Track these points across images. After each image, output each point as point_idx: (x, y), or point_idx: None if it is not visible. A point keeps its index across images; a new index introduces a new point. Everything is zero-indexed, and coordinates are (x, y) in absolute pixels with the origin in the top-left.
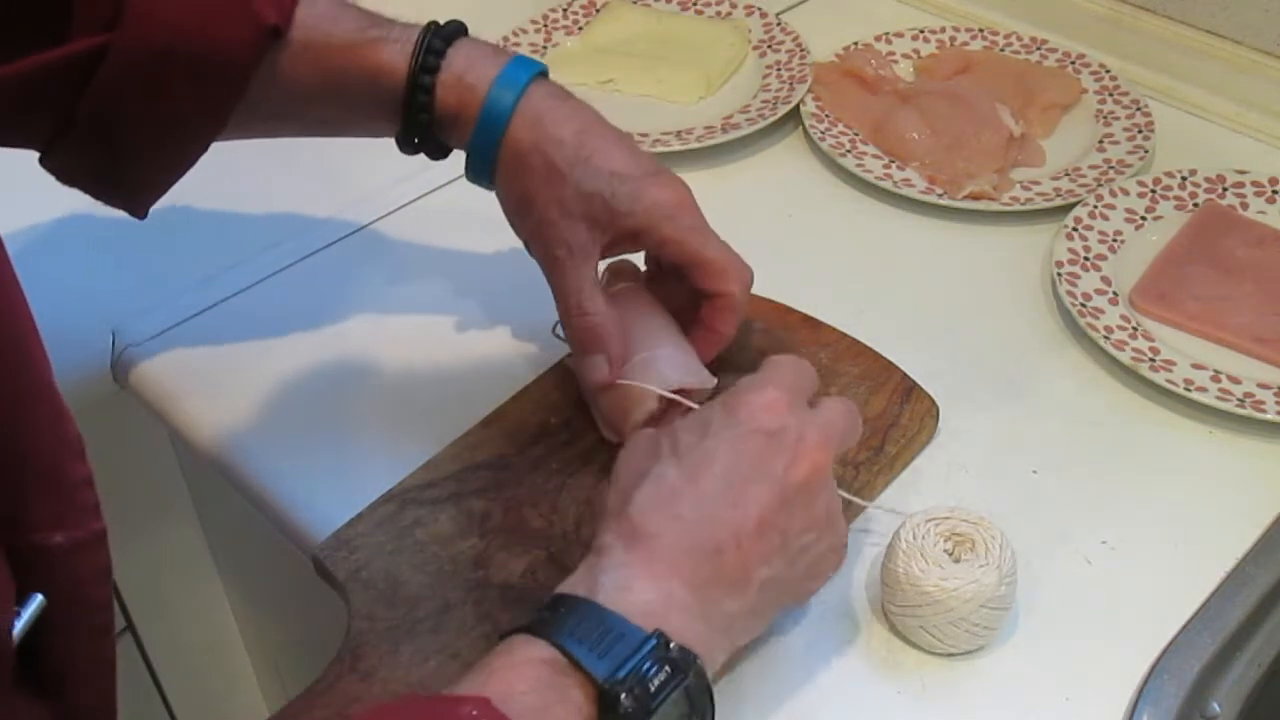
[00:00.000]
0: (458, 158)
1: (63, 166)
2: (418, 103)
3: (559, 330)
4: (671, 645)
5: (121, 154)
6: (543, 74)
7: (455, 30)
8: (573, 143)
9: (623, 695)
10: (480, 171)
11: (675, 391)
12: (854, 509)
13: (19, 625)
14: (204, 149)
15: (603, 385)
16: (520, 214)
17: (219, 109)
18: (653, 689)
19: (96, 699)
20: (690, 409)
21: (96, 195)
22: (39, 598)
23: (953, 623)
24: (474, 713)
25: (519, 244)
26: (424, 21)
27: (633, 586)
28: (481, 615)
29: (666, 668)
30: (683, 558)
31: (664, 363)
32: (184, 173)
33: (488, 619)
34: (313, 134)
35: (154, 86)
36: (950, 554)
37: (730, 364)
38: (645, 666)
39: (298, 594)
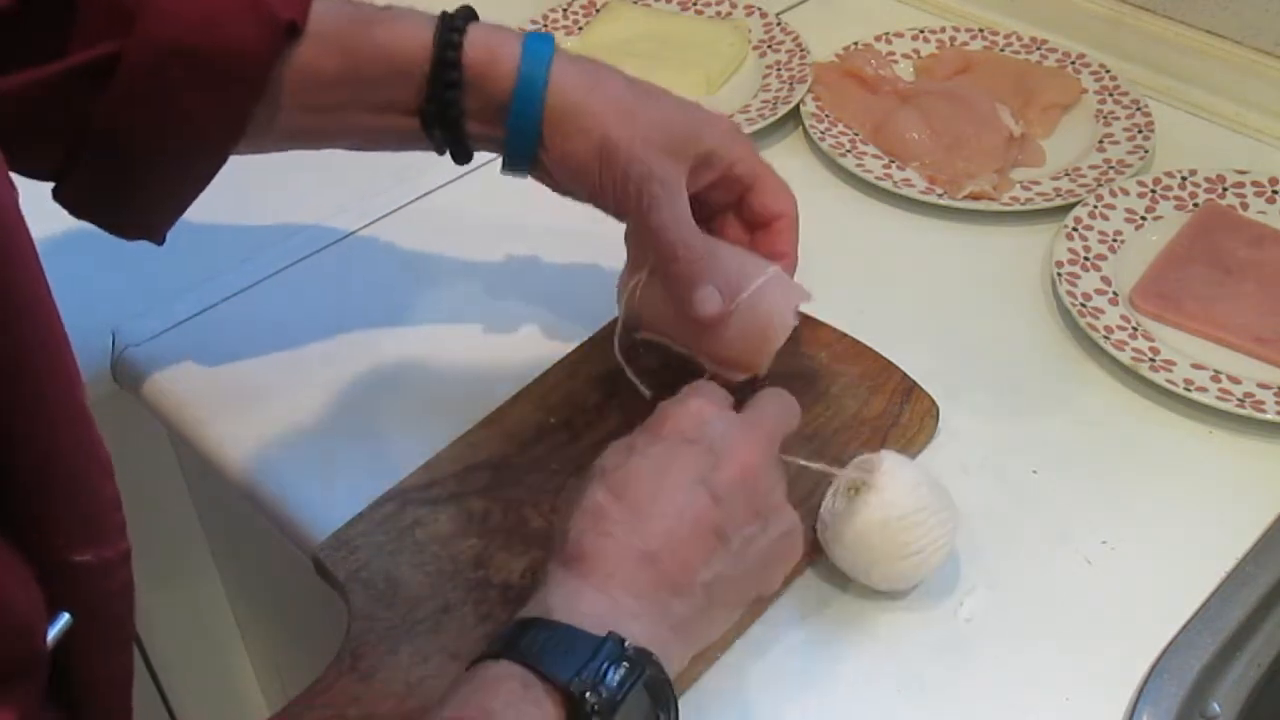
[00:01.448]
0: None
1: (77, 193)
2: (445, 78)
3: (625, 298)
4: (626, 645)
5: (137, 172)
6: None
7: (470, 13)
8: (627, 83)
9: (587, 694)
10: (522, 143)
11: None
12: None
13: (48, 640)
14: (223, 160)
15: (718, 316)
16: (597, 167)
17: (237, 114)
18: (614, 684)
19: (114, 708)
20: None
21: (112, 227)
22: (66, 616)
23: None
24: None
25: (518, 244)
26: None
27: (580, 600)
28: (481, 615)
29: (624, 664)
30: (619, 569)
31: (777, 284)
32: (202, 189)
33: (488, 619)
34: (333, 141)
35: (169, 93)
36: (851, 496)
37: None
38: (604, 666)
39: (298, 594)
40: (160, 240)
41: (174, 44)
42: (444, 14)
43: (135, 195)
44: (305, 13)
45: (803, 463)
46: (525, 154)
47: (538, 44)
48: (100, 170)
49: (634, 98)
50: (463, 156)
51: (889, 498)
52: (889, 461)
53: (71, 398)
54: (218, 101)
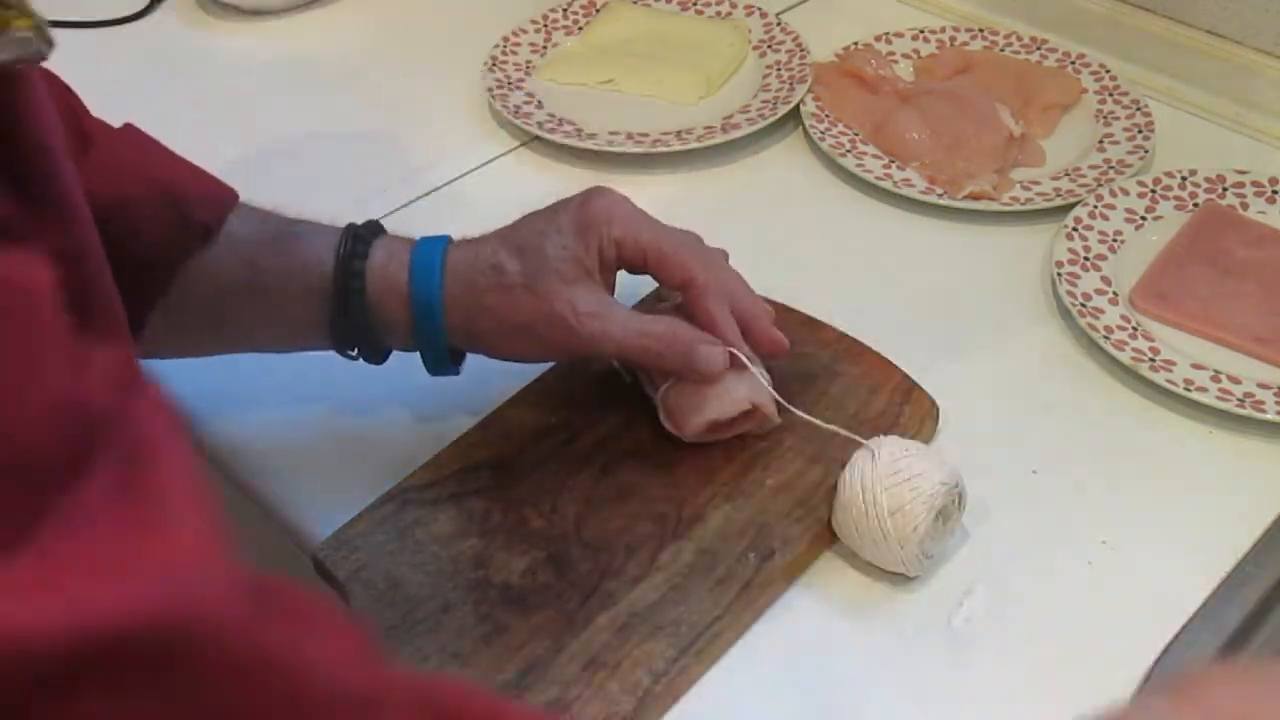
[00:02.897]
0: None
1: None
2: (350, 288)
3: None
4: None
5: None
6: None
7: (376, 228)
8: (503, 250)
9: None
10: (439, 360)
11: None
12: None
13: None
14: None
15: (723, 367)
16: (532, 334)
17: (141, 306)
18: None
19: None
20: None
21: None
22: None
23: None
24: None
25: None
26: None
27: None
28: (481, 615)
29: None
30: None
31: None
32: None
33: (488, 619)
34: (237, 343)
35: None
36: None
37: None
38: None
39: None
40: None
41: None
42: (345, 237)
43: None
44: (221, 220)
45: (818, 422)
46: (445, 364)
47: (426, 255)
48: None
49: (518, 255)
50: (377, 355)
51: (881, 458)
52: (887, 437)
53: None
54: (121, 292)
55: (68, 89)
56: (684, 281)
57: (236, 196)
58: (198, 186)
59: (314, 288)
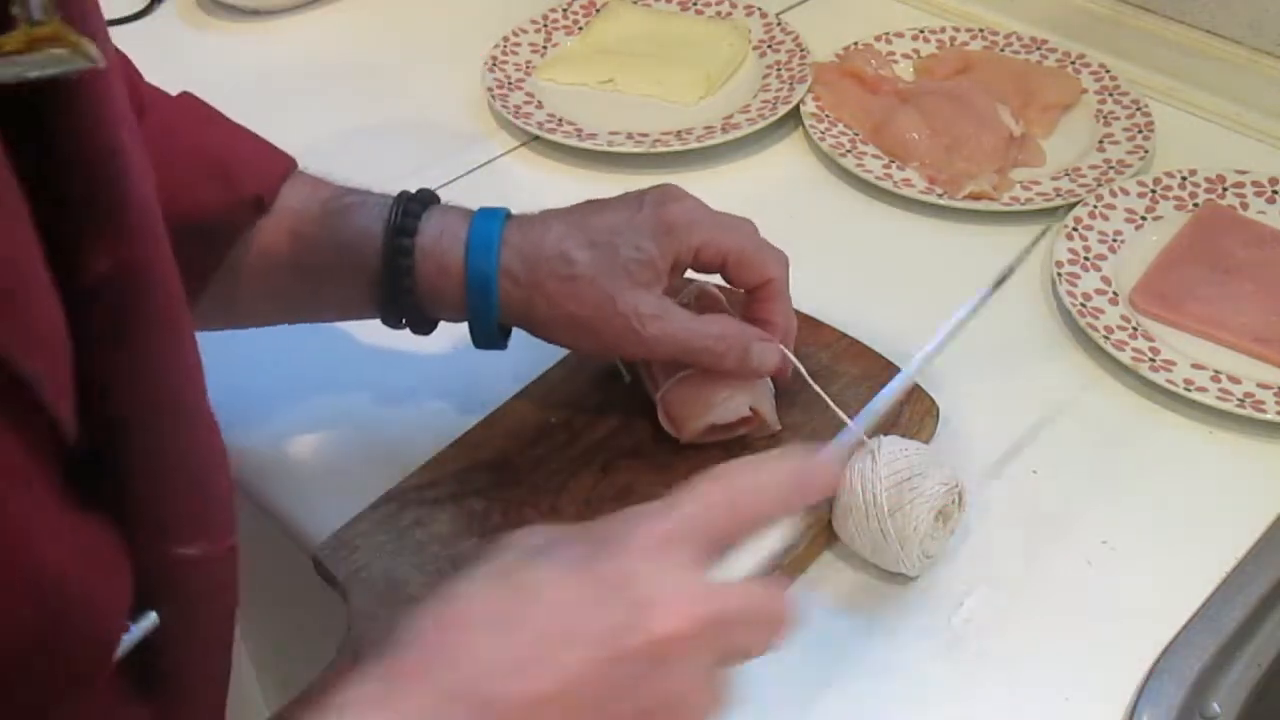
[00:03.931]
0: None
1: None
2: (399, 266)
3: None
4: None
5: None
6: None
7: (429, 197)
8: (570, 239)
9: None
10: (488, 333)
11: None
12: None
13: (130, 637)
14: None
15: (784, 368)
16: (589, 328)
17: (196, 279)
18: None
19: (208, 706)
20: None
21: None
22: (153, 616)
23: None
24: None
25: None
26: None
27: None
28: None
29: None
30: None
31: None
32: None
33: None
34: (287, 315)
35: None
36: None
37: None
38: None
39: (298, 594)
40: None
41: None
42: (402, 201)
43: None
44: (274, 190)
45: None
46: (494, 341)
47: (484, 231)
48: None
49: (586, 248)
50: (425, 326)
51: (881, 458)
52: (887, 438)
53: (197, 387)
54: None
55: (123, 58)
56: (764, 281)
57: (293, 165)
58: (252, 156)
59: (362, 264)
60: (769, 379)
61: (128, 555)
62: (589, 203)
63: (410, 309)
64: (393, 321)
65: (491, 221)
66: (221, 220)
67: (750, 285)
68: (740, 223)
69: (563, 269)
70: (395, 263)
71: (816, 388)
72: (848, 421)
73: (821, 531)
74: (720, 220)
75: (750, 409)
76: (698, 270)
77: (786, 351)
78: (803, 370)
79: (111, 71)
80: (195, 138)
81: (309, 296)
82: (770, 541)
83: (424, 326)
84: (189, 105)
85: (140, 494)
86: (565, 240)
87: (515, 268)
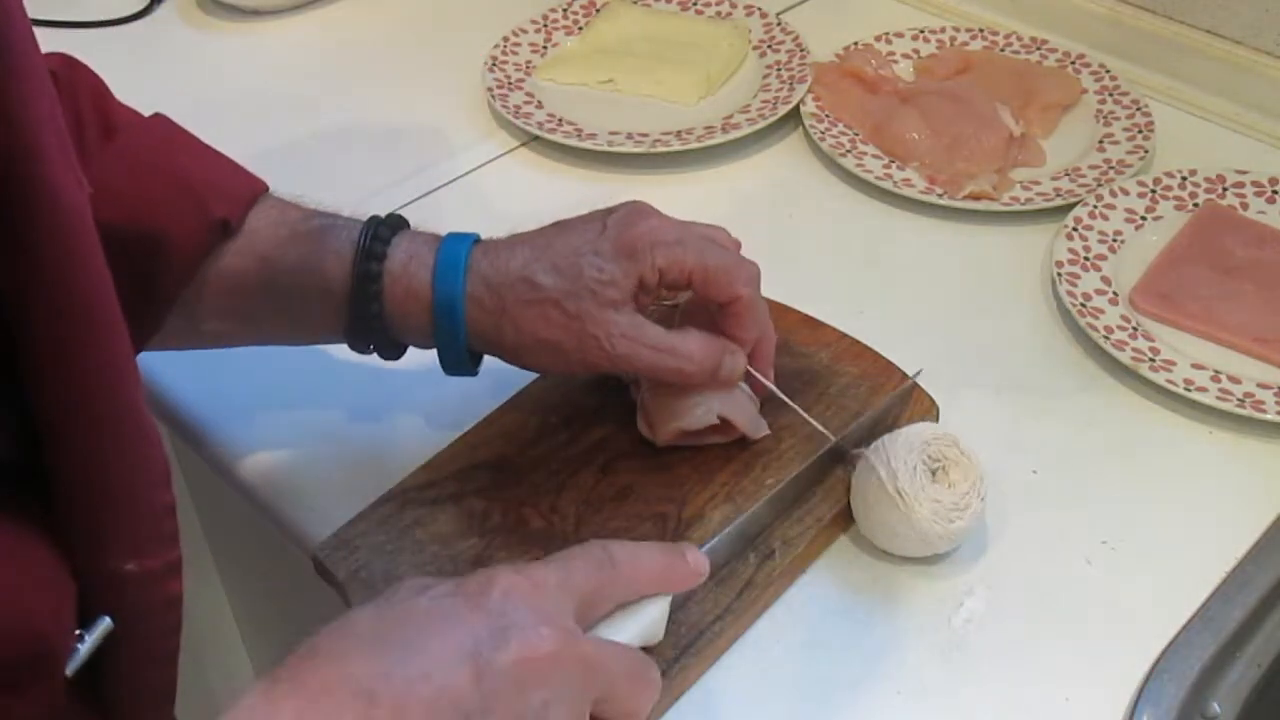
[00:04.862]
0: (449, 165)
1: None
2: (367, 290)
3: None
4: None
5: None
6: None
7: (398, 222)
8: (536, 264)
9: None
10: (457, 359)
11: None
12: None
13: (84, 648)
14: (138, 349)
15: (738, 379)
16: (559, 350)
17: (162, 300)
18: None
19: None
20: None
21: None
22: (106, 620)
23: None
24: None
25: None
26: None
27: None
28: None
29: None
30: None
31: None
32: None
33: None
34: (252, 337)
35: None
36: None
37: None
38: None
39: (298, 594)
40: None
41: (112, 223)
42: (365, 232)
43: None
44: (241, 215)
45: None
46: (465, 364)
47: (451, 256)
48: None
49: (553, 273)
50: (394, 352)
51: (886, 448)
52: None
53: (127, 398)
54: (146, 288)
55: (96, 78)
56: (730, 299)
57: (263, 189)
58: (221, 179)
59: (330, 288)
60: (749, 388)
61: (68, 571)
62: (555, 224)
63: (378, 333)
64: (360, 346)
65: (459, 246)
66: (188, 242)
67: (718, 302)
68: (706, 241)
69: (528, 293)
70: (363, 288)
71: (793, 405)
72: (829, 436)
73: (822, 531)
74: (685, 238)
75: (719, 417)
76: (665, 289)
77: (754, 372)
78: (775, 390)
79: (35, 74)
80: (165, 159)
81: (276, 319)
82: (642, 618)
83: (391, 351)
84: (160, 127)
85: (74, 509)
86: (530, 265)
87: (481, 293)
